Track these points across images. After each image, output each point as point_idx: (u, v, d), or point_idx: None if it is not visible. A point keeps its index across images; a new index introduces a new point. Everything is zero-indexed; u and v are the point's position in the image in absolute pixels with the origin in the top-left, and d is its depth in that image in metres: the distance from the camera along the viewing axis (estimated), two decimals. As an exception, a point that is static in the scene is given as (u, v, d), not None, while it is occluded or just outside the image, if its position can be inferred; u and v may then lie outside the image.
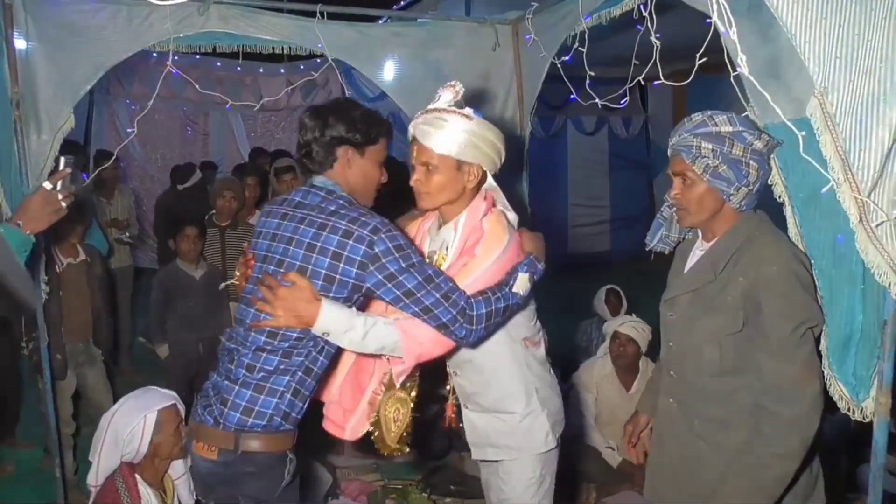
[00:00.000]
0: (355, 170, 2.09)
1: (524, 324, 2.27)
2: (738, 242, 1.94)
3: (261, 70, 9.09)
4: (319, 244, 1.93)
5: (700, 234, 2.12)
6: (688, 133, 1.94)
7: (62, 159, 2.30)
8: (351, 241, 1.91)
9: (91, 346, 4.09)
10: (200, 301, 4.31)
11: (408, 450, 2.20)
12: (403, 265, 1.92)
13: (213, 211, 4.71)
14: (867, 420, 1.94)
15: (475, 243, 2.11)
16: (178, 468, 2.68)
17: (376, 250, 1.91)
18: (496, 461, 2.32)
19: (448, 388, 2.43)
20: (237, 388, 1.99)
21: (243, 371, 1.99)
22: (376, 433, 2.16)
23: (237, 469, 1.98)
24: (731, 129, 1.90)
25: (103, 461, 2.52)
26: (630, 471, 3.79)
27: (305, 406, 2.06)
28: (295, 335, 1.97)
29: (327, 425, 2.27)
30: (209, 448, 2.00)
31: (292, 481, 2.07)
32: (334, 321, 1.93)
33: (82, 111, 7.65)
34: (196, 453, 2.03)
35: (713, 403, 2.02)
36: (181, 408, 2.65)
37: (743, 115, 2.00)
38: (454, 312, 1.94)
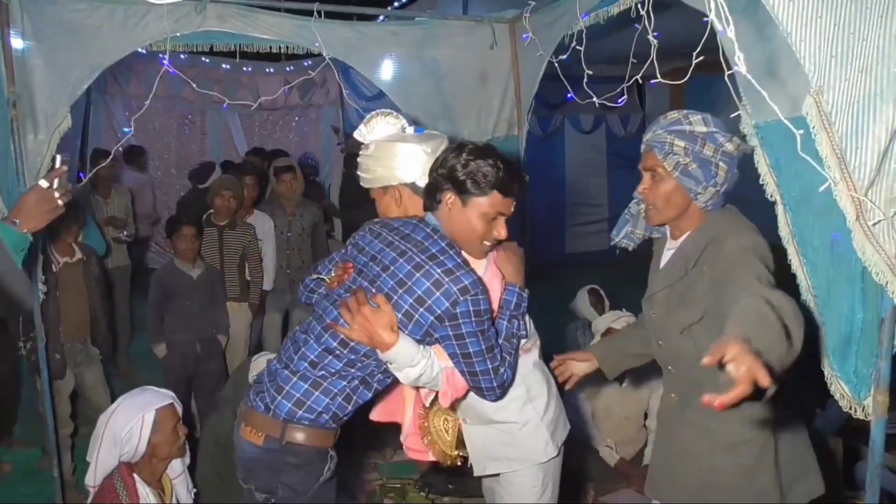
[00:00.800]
0: (456, 217, 2.04)
1: None
2: (708, 238, 1.97)
3: (261, 69, 9.07)
4: (409, 283, 1.96)
5: (668, 232, 2.14)
6: (662, 130, 1.97)
7: (58, 157, 2.30)
8: (438, 293, 1.94)
9: (89, 345, 4.09)
10: (198, 300, 4.30)
11: (466, 453, 2.32)
12: (475, 329, 1.97)
13: (211, 210, 4.70)
14: (869, 418, 1.95)
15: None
16: (176, 467, 2.68)
17: (457, 310, 1.94)
18: (497, 474, 2.32)
19: None
20: (295, 379, 2.04)
21: (305, 365, 2.05)
22: (434, 448, 2.30)
23: (280, 458, 2.04)
24: (704, 129, 1.93)
25: (101, 461, 2.52)
26: (628, 469, 3.80)
27: (354, 410, 2.11)
28: (364, 350, 2.02)
29: (410, 454, 2.41)
30: (256, 433, 2.05)
31: (331, 478, 2.12)
32: (402, 355, 1.98)
33: (79, 110, 7.63)
34: (242, 437, 2.09)
35: (702, 393, 2.01)
36: (178, 407, 2.65)
37: (734, 114, 2.01)
38: (495, 385, 2.04)
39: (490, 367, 2.01)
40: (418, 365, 1.99)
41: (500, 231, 2.06)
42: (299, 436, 2.02)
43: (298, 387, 2.03)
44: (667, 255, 2.14)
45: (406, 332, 1.98)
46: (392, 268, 2.00)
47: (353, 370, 2.04)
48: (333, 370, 2.03)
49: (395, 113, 2.25)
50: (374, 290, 2.01)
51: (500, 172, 1.99)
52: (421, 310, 1.95)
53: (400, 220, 2.13)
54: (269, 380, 2.11)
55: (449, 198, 2.02)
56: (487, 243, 2.07)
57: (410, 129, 2.23)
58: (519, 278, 2.16)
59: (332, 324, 2.03)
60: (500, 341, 2.06)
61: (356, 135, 2.27)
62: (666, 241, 2.17)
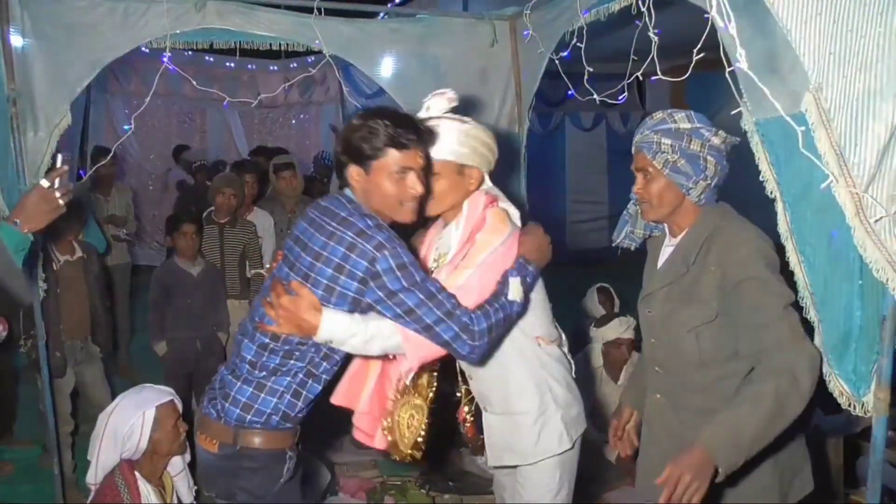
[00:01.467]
0: (365, 188, 2.00)
1: (537, 322, 2.26)
2: (705, 233, 2.01)
3: (261, 66, 9.07)
4: (325, 254, 1.92)
5: (667, 230, 2.17)
6: (649, 130, 2.03)
7: (59, 156, 2.30)
8: (354, 255, 1.89)
9: (89, 343, 4.09)
10: (198, 298, 4.30)
11: (420, 455, 2.21)
12: (405, 284, 1.90)
13: (212, 208, 4.70)
14: (868, 415, 1.94)
15: (476, 230, 2.12)
16: (176, 465, 2.69)
17: (378, 267, 1.88)
18: (513, 466, 2.31)
19: (458, 393, 2.42)
20: (239, 383, 2.01)
21: (246, 367, 2.01)
22: (390, 438, 2.20)
23: (236, 463, 2.01)
24: (689, 125, 1.98)
25: (102, 459, 2.52)
26: (628, 464, 3.80)
27: (308, 407, 2.07)
28: (297, 340, 1.97)
29: (357, 434, 2.30)
30: (210, 440, 2.03)
31: (291, 479, 2.08)
32: (336, 330, 1.93)
33: (79, 108, 7.63)
34: (199, 444, 2.07)
35: (697, 394, 2.04)
36: (179, 404, 2.65)
37: (735, 111, 2.01)
38: (456, 329, 1.92)
39: (439, 313, 1.90)
40: (360, 333, 1.94)
41: (415, 187, 1.98)
42: (253, 440, 2.00)
43: (243, 391, 2.00)
44: (665, 253, 2.16)
45: (331, 306, 1.93)
46: (309, 243, 1.96)
47: (292, 362, 1.99)
48: (272, 366, 1.99)
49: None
50: (292, 275, 1.96)
51: (387, 129, 1.93)
52: (342, 278, 1.90)
53: (329, 197, 2.08)
54: (218, 386, 2.09)
55: (352, 171, 2.00)
56: (409, 203, 2.00)
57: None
58: (532, 256, 2.12)
59: (260, 324, 1.99)
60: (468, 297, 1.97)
61: (433, 109, 2.16)
62: (663, 240, 2.19)
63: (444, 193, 2.16)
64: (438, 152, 2.10)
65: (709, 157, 1.97)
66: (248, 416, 1.99)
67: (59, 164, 2.27)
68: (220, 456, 2.02)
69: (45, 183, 2.19)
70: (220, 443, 2.01)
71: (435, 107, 2.14)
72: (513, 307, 2.03)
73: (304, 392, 2.03)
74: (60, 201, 2.21)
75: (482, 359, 2.07)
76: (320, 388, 2.07)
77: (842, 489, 3.18)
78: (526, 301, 2.10)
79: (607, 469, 3.85)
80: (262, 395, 1.99)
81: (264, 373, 1.99)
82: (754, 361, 1.89)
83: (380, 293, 1.91)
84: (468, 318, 1.93)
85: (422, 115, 2.13)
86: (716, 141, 1.98)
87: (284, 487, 2.06)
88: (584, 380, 3.94)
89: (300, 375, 2.01)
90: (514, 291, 2.03)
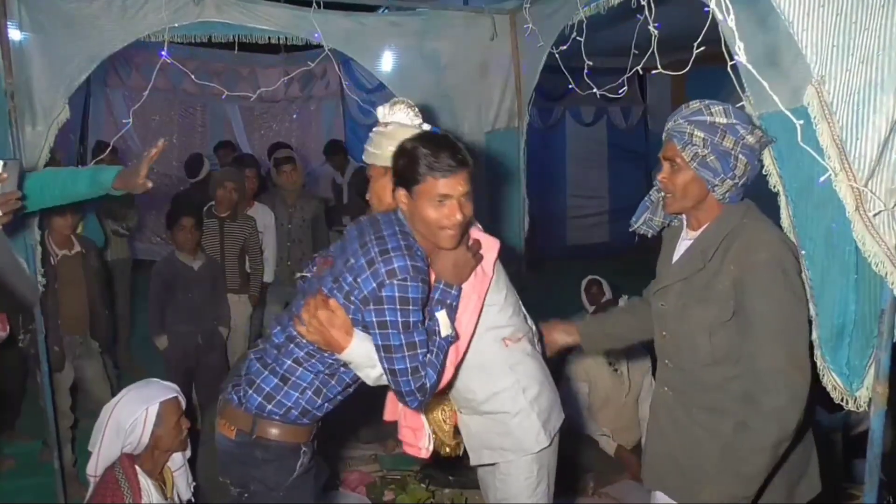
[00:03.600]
0: (410, 211, 1.99)
1: (500, 323, 2.25)
2: (726, 230, 1.96)
3: (261, 61, 9.05)
4: (352, 261, 1.95)
5: (685, 223, 2.13)
6: (683, 119, 1.96)
7: (1, 163, 2.11)
8: (368, 272, 1.90)
9: (88, 338, 4.09)
10: (199, 292, 4.30)
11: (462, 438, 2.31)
12: (398, 319, 1.90)
13: (213, 202, 4.69)
14: (861, 409, 1.95)
15: None
16: (177, 460, 2.69)
17: (383, 293, 1.89)
18: (492, 464, 2.32)
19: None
20: (266, 372, 2.04)
21: (274, 352, 2.05)
22: (435, 438, 2.29)
23: (250, 451, 2.03)
24: (725, 120, 1.91)
25: (104, 451, 2.52)
26: (627, 457, 3.81)
27: (328, 405, 2.10)
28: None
29: (406, 449, 2.36)
30: (229, 426, 2.06)
31: (304, 473, 2.11)
32: (359, 356, 1.97)
33: (79, 102, 7.61)
34: (218, 430, 2.09)
35: (708, 392, 2.03)
36: (182, 401, 2.66)
37: (738, 105, 2.00)
38: (414, 387, 1.93)
39: (409, 366, 1.91)
40: (378, 367, 1.97)
41: (451, 214, 1.95)
42: (270, 430, 2.02)
43: (269, 381, 2.03)
44: (682, 247, 2.12)
45: (350, 315, 1.95)
46: (348, 247, 2.01)
47: (313, 361, 2.02)
48: (296, 356, 2.02)
49: (418, 110, 2.22)
50: (333, 285, 1.98)
51: (427, 156, 1.92)
52: (356, 290, 1.93)
53: (385, 213, 2.09)
54: (244, 372, 2.11)
55: (399, 193, 2.01)
56: (448, 230, 1.98)
57: (427, 127, 2.19)
58: (448, 275, 2.04)
59: (296, 319, 2.01)
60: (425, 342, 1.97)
61: (379, 110, 2.23)
62: (681, 232, 2.16)
63: (378, 199, 2.22)
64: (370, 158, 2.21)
65: (740, 156, 1.91)
66: (269, 406, 2.01)
67: (0, 170, 2.11)
68: (236, 443, 2.04)
69: None
70: (238, 429, 2.03)
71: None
72: (448, 342, 2.01)
73: (325, 391, 2.06)
74: (1, 210, 2.09)
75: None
76: (341, 389, 2.10)
77: (841, 483, 3.19)
78: (502, 293, 2.12)
79: (605, 462, 3.85)
80: (286, 387, 2.02)
81: (288, 362, 2.03)
82: (747, 380, 1.90)
83: (375, 318, 1.92)
84: (426, 378, 1.94)
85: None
86: (750, 140, 1.91)
87: (297, 481, 2.08)
88: (587, 372, 3.94)
89: (322, 375, 2.05)
90: (444, 326, 2.00)
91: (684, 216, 2.12)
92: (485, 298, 2.16)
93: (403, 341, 1.91)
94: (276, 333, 2.09)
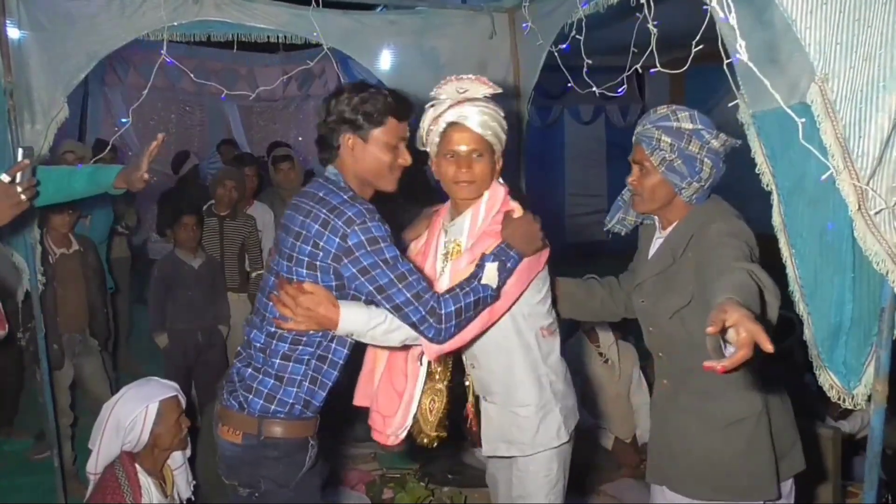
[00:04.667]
0: (360, 156, 2.04)
1: (541, 312, 2.25)
2: (692, 230, 2.03)
3: (259, 60, 9.03)
4: (304, 232, 1.95)
5: (657, 222, 2.21)
6: (651, 124, 2.04)
7: (20, 150, 2.21)
8: (327, 232, 1.91)
9: (88, 336, 4.09)
10: (199, 290, 4.30)
11: (446, 434, 2.27)
12: (377, 259, 1.91)
13: (212, 201, 4.69)
14: (857, 408, 1.96)
15: (496, 222, 2.13)
16: (177, 459, 2.69)
17: (349, 243, 1.90)
18: (508, 457, 2.31)
19: (466, 383, 2.42)
20: (261, 376, 2.04)
21: (260, 356, 2.05)
22: (414, 425, 2.23)
23: (260, 453, 2.04)
24: (690, 126, 1.98)
25: (104, 449, 2.53)
26: (624, 451, 3.81)
27: (326, 394, 2.10)
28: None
29: (374, 435, 2.32)
30: (234, 432, 2.05)
31: (313, 466, 2.12)
32: (355, 322, 1.96)
33: (77, 100, 7.59)
34: (221, 437, 2.08)
35: (697, 377, 2.05)
36: (182, 400, 2.66)
37: (732, 104, 2.02)
38: (423, 312, 1.93)
39: (408, 294, 1.91)
40: (380, 325, 1.96)
41: (405, 157, 2.08)
42: (277, 429, 2.02)
43: (266, 383, 2.03)
44: (655, 245, 2.20)
45: (320, 282, 1.95)
46: (291, 225, 2.00)
47: (301, 347, 2.01)
48: (283, 352, 2.01)
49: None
50: (283, 261, 2.00)
51: (388, 99, 2.01)
52: (319, 253, 1.93)
53: (311, 182, 2.12)
54: (237, 379, 2.10)
55: (348, 139, 2.02)
56: (398, 172, 2.09)
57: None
58: (517, 242, 2.07)
59: (278, 322, 2.00)
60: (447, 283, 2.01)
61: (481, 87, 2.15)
62: (655, 231, 2.23)
63: (485, 177, 2.16)
64: (487, 134, 2.11)
65: (706, 160, 1.98)
66: (272, 407, 2.02)
67: (20, 157, 2.18)
68: (243, 447, 2.04)
69: (5, 178, 2.12)
70: (245, 433, 2.03)
71: (475, 90, 2.12)
72: (485, 291, 2.00)
73: (321, 378, 2.06)
74: (23, 196, 2.13)
75: (448, 342, 2.02)
76: (336, 373, 2.10)
77: (839, 481, 3.19)
78: (500, 287, 2.05)
79: (603, 458, 3.84)
80: (283, 385, 2.02)
81: (277, 360, 2.02)
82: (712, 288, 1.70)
83: (353, 269, 1.92)
84: (435, 302, 1.94)
85: (466, 94, 2.11)
86: (715, 144, 1.98)
87: (306, 475, 2.10)
88: (576, 363, 3.95)
89: (313, 361, 2.04)
90: (489, 276, 2.00)
91: (655, 216, 2.19)
92: (531, 282, 2.17)
93: (392, 275, 1.91)
94: (254, 337, 2.07)
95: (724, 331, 1.35)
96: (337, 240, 1.90)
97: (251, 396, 2.03)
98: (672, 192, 2.04)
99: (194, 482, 2.81)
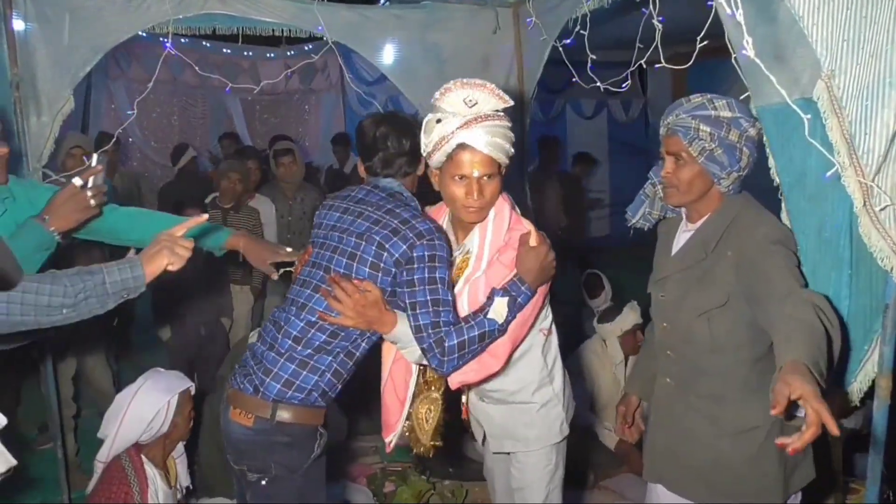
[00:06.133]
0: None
1: (540, 315, 2.25)
2: (727, 221, 1.98)
3: (262, 53, 9.03)
4: (370, 234, 2.02)
5: (684, 215, 2.15)
6: (686, 114, 1.97)
7: (94, 156, 2.22)
8: (396, 238, 1.99)
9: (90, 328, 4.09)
10: (202, 283, 4.30)
11: (441, 443, 2.28)
12: (426, 276, 1.98)
13: (215, 193, 4.70)
14: (853, 404, 1.96)
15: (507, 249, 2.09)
16: (178, 448, 2.72)
17: (414, 254, 1.98)
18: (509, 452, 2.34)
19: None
20: (282, 360, 2.06)
21: (289, 343, 2.07)
22: (411, 434, 2.28)
23: (271, 437, 2.05)
24: (729, 114, 1.93)
25: (119, 439, 2.52)
26: (627, 451, 3.81)
27: (341, 386, 2.13)
28: None
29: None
30: (245, 415, 2.06)
31: (321, 455, 2.14)
32: (406, 333, 2.01)
33: (80, 93, 7.60)
34: (231, 419, 2.10)
35: (708, 380, 2.04)
36: (192, 390, 2.69)
37: (742, 97, 2.01)
38: (432, 341, 1.97)
39: (431, 320, 1.96)
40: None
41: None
42: (290, 415, 2.04)
43: (286, 368, 2.05)
44: (681, 238, 2.14)
45: (378, 284, 2.01)
46: (351, 228, 2.07)
47: (336, 341, 2.05)
48: (318, 343, 2.04)
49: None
50: (336, 257, 2.06)
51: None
52: (384, 255, 2.00)
53: (350, 190, 2.21)
54: (254, 362, 2.12)
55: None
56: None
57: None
58: (530, 276, 2.04)
59: (323, 315, 2.03)
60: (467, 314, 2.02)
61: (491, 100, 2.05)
62: (679, 224, 2.17)
63: (494, 198, 2.10)
64: (498, 155, 2.04)
65: (744, 149, 1.93)
66: (289, 392, 2.04)
67: (94, 163, 2.17)
68: (255, 430, 2.05)
69: (77, 182, 2.10)
70: (257, 417, 2.05)
71: (484, 103, 2.01)
72: (491, 325, 2.00)
73: (343, 372, 2.10)
74: (92, 201, 2.13)
75: (451, 373, 2.04)
76: (353, 366, 2.14)
77: (842, 477, 3.20)
78: (509, 322, 2.03)
79: (606, 456, 3.86)
80: (305, 372, 2.05)
81: (309, 350, 2.05)
82: (775, 321, 1.70)
83: (406, 277, 1.99)
84: (444, 333, 1.97)
85: (481, 111, 2.01)
86: (752, 132, 1.94)
87: (315, 463, 2.12)
88: (588, 368, 3.96)
89: (341, 356, 2.08)
90: (497, 311, 2.00)
91: (683, 208, 2.13)
92: (544, 299, 2.20)
93: (430, 297, 1.98)
94: (290, 325, 2.08)
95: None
96: (404, 247, 1.99)
97: (268, 380, 2.05)
98: (709, 183, 1.98)
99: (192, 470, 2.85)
